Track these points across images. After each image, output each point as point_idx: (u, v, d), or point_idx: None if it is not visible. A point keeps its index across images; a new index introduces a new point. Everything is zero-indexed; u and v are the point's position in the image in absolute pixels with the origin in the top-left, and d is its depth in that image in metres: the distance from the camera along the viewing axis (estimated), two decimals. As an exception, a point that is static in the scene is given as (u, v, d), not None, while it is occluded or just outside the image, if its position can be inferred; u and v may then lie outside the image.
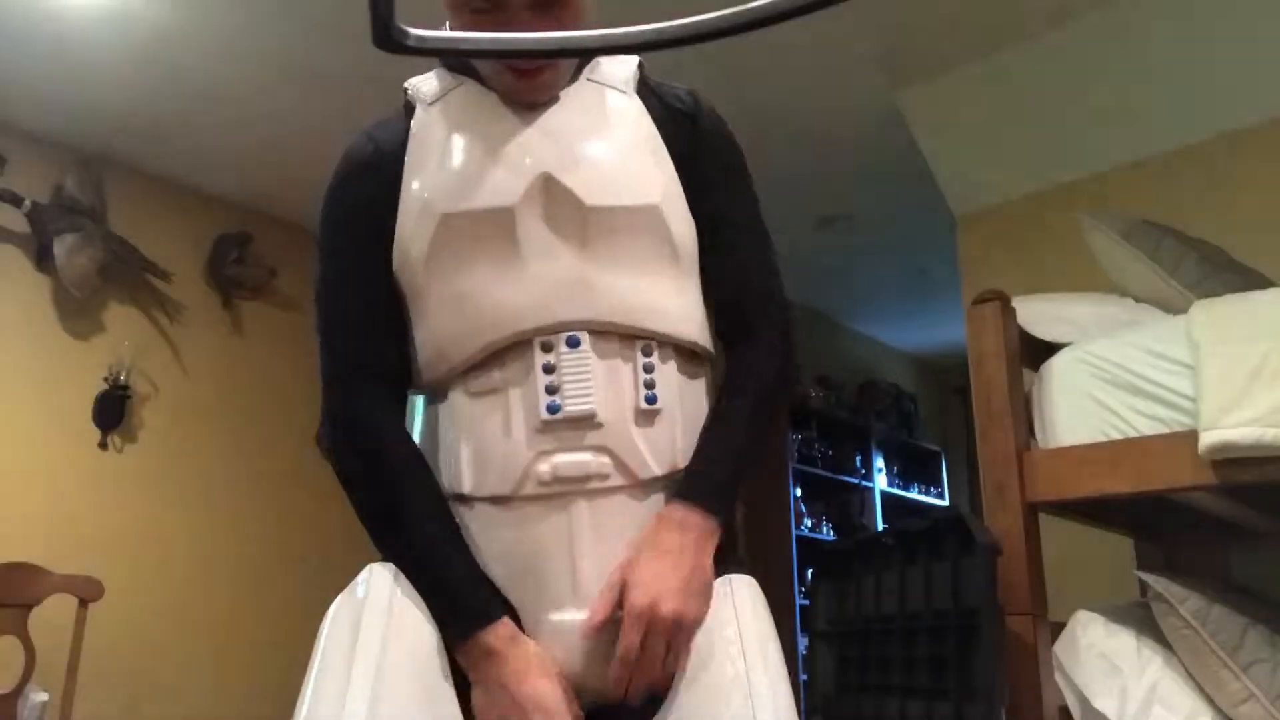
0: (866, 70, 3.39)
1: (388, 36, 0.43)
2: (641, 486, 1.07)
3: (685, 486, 1.08)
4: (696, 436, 1.12)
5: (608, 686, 1.04)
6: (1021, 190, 3.43)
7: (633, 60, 1.19)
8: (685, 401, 1.12)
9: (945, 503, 6.10)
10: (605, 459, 1.06)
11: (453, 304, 1.09)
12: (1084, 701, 1.86)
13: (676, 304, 1.12)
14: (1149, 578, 1.88)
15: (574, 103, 1.14)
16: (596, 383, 1.06)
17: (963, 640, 1.86)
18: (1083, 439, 1.90)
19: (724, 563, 1.11)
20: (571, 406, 1.05)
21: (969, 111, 3.45)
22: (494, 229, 1.08)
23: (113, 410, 3.67)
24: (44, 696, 2.79)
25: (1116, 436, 1.85)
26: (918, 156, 3.60)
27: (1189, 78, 3.05)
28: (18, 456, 3.45)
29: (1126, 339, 1.92)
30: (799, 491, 5.07)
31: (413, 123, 1.14)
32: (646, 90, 1.18)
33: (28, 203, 3.48)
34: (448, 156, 1.11)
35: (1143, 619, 1.94)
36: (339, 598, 1.06)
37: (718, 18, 0.42)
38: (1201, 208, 2.95)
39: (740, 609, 1.06)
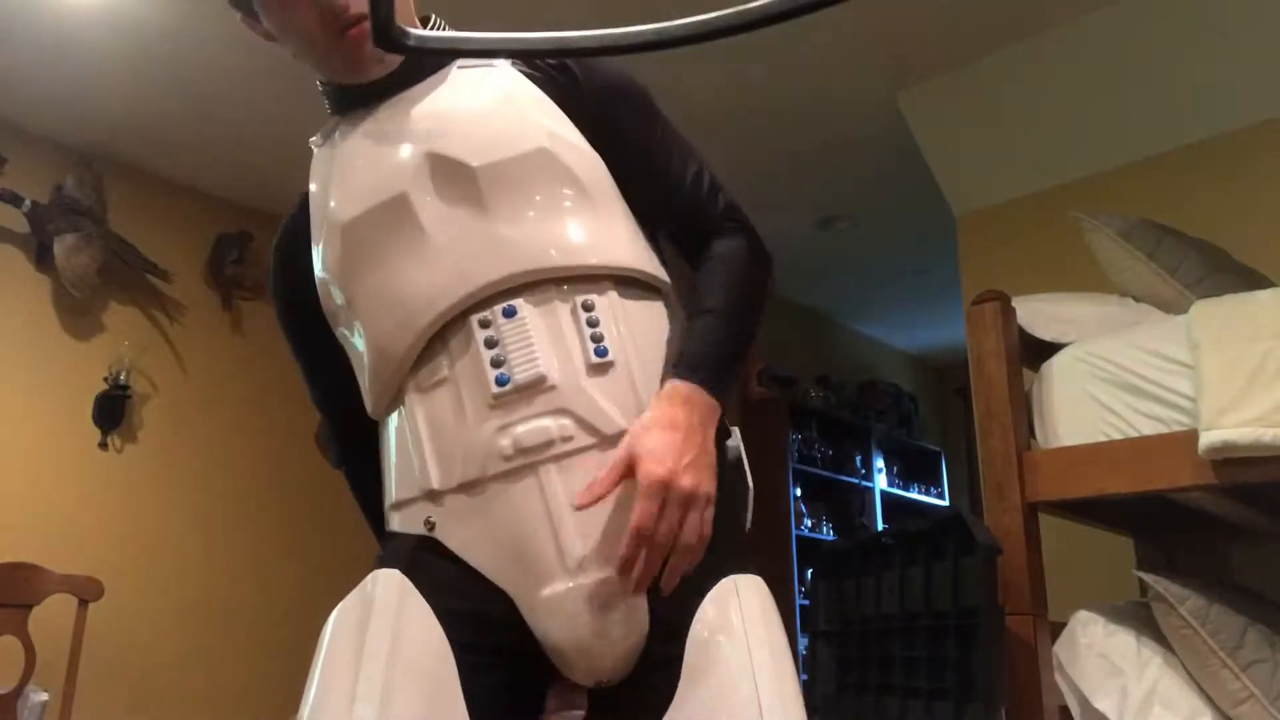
0: (867, 70, 3.39)
1: (388, 36, 0.43)
2: (610, 441, 1.03)
3: (686, 363, 1.05)
4: (657, 381, 1.07)
5: (613, 646, 1.01)
6: (1021, 190, 3.43)
7: None
8: (640, 344, 1.08)
9: (945, 503, 6.09)
10: (566, 420, 1.03)
11: (380, 303, 1.10)
12: (1084, 701, 1.86)
13: (599, 235, 1.09)
14: (1149, 578, 1.88)
15: (443, 83, 1.16)
16: (540, 344, 1.04)
17: (963, 640, 1.86)
18: (1083, 439, 1.90)
19: (727, 554, 1.07)
20: (520, 374, 1.03)
21: (969, 111, 3.45)
22: (395, 219, 1.09)
23: (113, 410, 3.67)
24: (44, 696, 2.79)
25: (1116, 436, 1.85)
26: (918, 156, 3.60)
27: (1189, 78, 3.05)
28: (18, 457, 3.45)
29: (1126, 339, 1.92)
30: (799, 491, 5.07)
31: (310, 170, 1.21)
32: (518, 62, 1.18)
33: (28, 203, 3.48)
34: (337, 177, 1.15)
35: (1143, 619, 1.94)
36: (344, 600, 1.05)
37: (718, 18, 0.42)
38: (1201, 208, 2.94)
39: (745, 603, 1.04)
